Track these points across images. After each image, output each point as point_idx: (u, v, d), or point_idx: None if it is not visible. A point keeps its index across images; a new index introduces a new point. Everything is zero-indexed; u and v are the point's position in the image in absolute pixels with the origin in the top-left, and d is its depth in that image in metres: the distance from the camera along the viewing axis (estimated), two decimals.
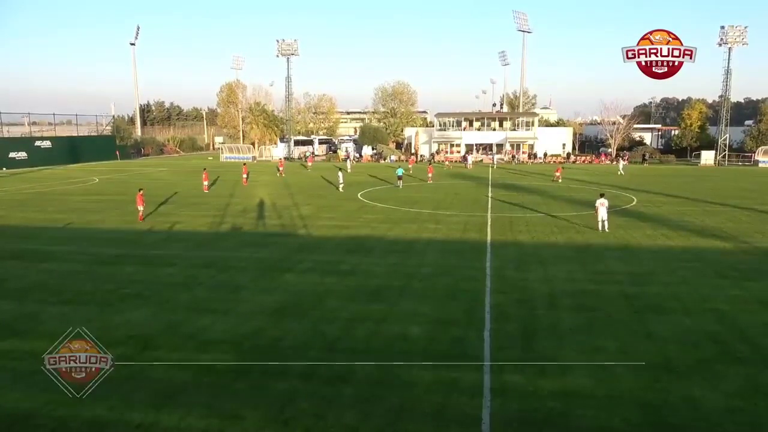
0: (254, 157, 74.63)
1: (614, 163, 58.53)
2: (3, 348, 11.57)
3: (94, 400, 9.26)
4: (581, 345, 11.52)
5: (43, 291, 15.47)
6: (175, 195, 36.95)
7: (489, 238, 22.61)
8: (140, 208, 27.04)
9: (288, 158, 74.17)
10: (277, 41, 74.45)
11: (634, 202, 33.03)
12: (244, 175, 44.58)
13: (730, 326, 12.64)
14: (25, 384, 9.94)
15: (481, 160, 67.40)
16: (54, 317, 13.34)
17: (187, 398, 9.40)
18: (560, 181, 45.21)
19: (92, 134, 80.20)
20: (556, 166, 54.25)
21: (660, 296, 14.79)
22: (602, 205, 23.84)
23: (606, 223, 23.79)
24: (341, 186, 38.78)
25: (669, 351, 11.24)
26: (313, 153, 75.59)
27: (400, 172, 43.02)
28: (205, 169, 43.86)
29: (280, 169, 52.27)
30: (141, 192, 27.66)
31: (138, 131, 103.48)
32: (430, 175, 45.93)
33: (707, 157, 66.14)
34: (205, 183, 39.89)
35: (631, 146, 77.05)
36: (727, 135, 67.14)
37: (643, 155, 70.16)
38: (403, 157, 72.75)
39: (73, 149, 68.93)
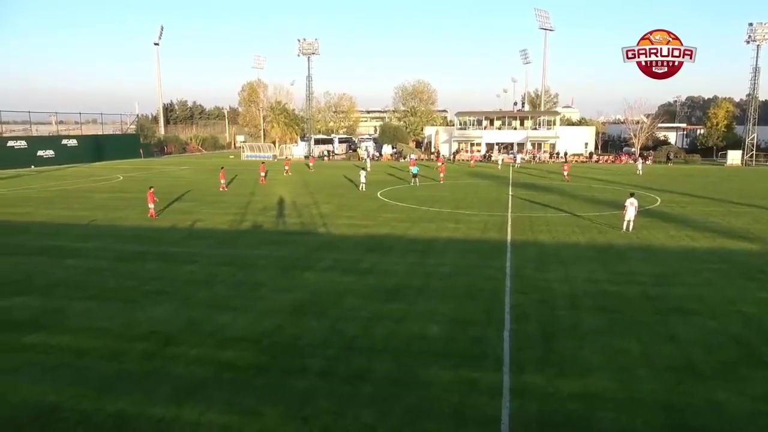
0: (275, 156, 75.10)
1: (635, 163, 57.60)
2: (30, 342, 11.83)
3: (117, 394, 9.46)
4: (603, 346, 11.37)
5: (69, 287, 15.80)
6: (196, 193, 37.42)
7: (509, 237, 22.45)
8: (151, 205, 27.24)
9: (307, 157, 74.61)
10: (298, 41, 74.86)
11: (657, 203, 32.50)
12: (262, 174, 45.01)
13: (757, 329, 12.37)
14: (51, 377, 10.16)
15: (502, 159, 66.90)
16: (79, 313, 13.61)
17: (207, 394, 9.51)
18: (569, 179, 44.56)
19: (117, 133, 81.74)
20: (562, 165, 52.53)
21: (684, 298, 14.53)
22: (632, 205, 23.48)
23: (632, 224, 23.46)
24: (362, 185, 38.87)
25: (693, 353, 11.05)
26: (323, 153, 75.67)
27: (415, 170, 43.20)
28: (222, 167, 44.40)
29: (286, 168, 52.57)
30: (152, 189, 27.92)
31: (161, 130, 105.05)
32: (441, 174, 45.73)
33: (734, 156, 64.72)
34: (222, 182, 40.31)
35: (656, 145, 75.81)
36: (755, 134, 65.64)
37: (668, 155, 68.95)
38: (423, 156, 72.63)
39: (98, 147, 70.25)
